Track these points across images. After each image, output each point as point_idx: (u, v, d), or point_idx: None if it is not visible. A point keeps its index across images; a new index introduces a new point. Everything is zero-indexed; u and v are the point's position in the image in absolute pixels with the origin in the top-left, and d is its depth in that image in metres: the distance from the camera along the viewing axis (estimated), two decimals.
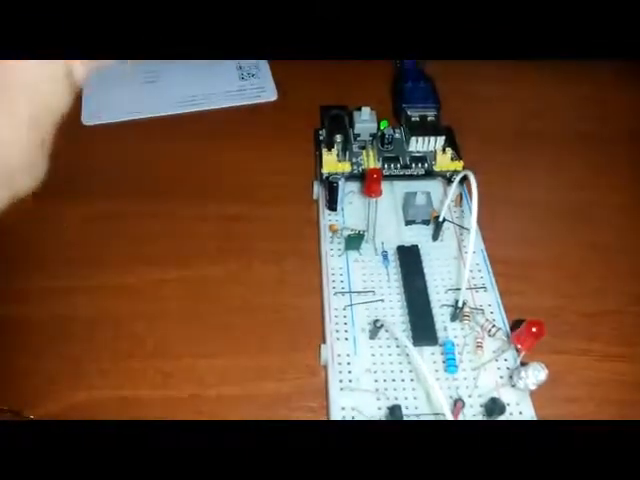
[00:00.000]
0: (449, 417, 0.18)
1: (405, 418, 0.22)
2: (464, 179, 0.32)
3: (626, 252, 0.31)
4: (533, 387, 0.20)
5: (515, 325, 0.24)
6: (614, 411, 0.25)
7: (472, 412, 0.22)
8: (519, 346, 0.21)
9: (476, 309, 0.26)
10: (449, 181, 0.32)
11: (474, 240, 0.22)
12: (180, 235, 0.31)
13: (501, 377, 0.24)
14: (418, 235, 0.30)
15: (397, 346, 0.25)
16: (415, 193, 0.29)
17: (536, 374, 0.19)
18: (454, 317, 0.26)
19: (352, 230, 0.29)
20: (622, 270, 0.30)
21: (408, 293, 0.27)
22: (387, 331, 0.25)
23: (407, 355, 0.25)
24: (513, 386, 0.22)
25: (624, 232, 0.32)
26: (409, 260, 0.28)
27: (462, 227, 0.30)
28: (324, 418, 0.24)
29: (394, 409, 0.21)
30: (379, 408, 0.23)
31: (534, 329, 0.20)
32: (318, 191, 0.32)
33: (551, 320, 0.24)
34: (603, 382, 0.26)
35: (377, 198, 0.27)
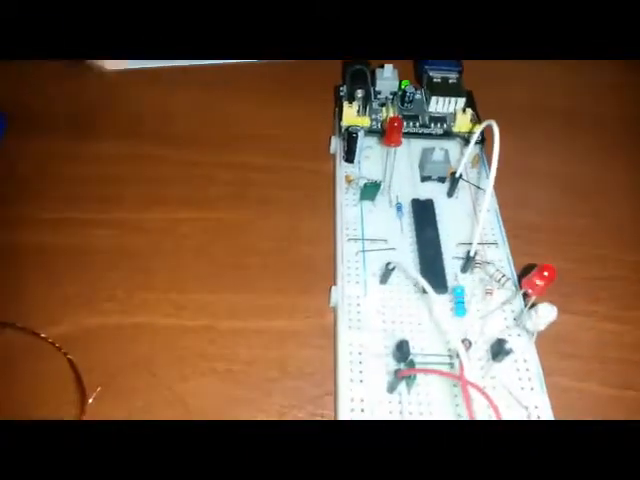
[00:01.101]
0: (461, 351, 0.18)
1: (411, 357, 0.22)
2: (483, 141, 0.32)
3: (629, 224, 0.31)
4: (542, 327, 0.20)
5: (525, 271, 0.24)
6: (616, 369, 0.25)
7: (478, 355, 0.23)
8: (529, 291, 0.21)
9: (486, 262, 0.26)
10: (467, 142, 0.32)
11: (489, 196, 0.23)
12: (197, 180, 0.32)
13: (506, 320, 0.24)
14: (433, 191, 0.30)
15: (407, 291, 0.25)
16: (433, 148, 0.30)
17: (546, 313, 0.20)
18: (465, 268, 0.26)
19: (368, 180, 0.29)
20: (624, 240, 0.30)
21: (420, 244, 0.27)
22: (398, 272, 0.25)
23: (416, 299, 0.25)
24: (521, 326, 0.22)
25: (627, 206, 0.32)
26: (423, 213, 0.29)
27: (478, 187, 0.30)
28: (331, 355, 0.24)
29: (402, 344, 0.22)
30: (386, 347, 0.23)
31: (545, 273, 0.21)
32: (336, 145, 0.33)
33: (556, 282, 0.25)
34: (606, 342, 0.26)
35: (396, 148, 0.27)
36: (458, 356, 0.18)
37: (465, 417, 0.21)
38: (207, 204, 0.30)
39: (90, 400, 0.22)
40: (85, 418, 0.22)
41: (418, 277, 0.21)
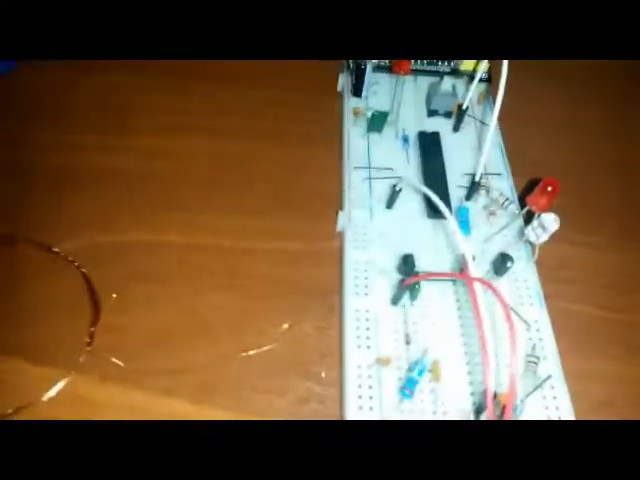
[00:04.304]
0: (466, 251, 0.19)
1: (416, 269, 0.23)
2: (489, 79, 0.32)
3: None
4: (545, 238, 0.21)
5: (530, 187, 0.25)
6: (607, 293, 0.26)
7: (481, 270, 0.24)
8: (534, 207, 0.22)
9: (490, 188, 0.27)
10: (473, 79, 0.32)
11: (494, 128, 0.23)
12: (209, 111, 0.32)
13: (507, 237, 0.25)
14: (439, 125, 0.30)
15: (412, 215, 0.26)
16: (440, 81, 0.30)
17: (549, 223, 0.20)
18: (469, 195, 0.27)
19: (376, 111, 0.29)
20: (621, 180, 0.31)
21: (426, 173, 0.28)
22: (403, 197, 0.26)
23: (422, 222, 0.26)
24: (523, 241, 0.23)
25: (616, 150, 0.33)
26: (429, 145, 0.29)
27: (483, 122, 0.31)
28: (337, 274, 0.25)
29: (407, 258, 0.23)
30: (390, 264, 0.24)
31: (549, 188, 0.21)
32: (343, 82, 0.33)
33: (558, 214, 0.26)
34: (605, 271, 0.27)
35: (405, 77, 0.28)
36: (464, 258, 0.19)
37: (469, 319, 0.22)
38: (218, 133, 0.31)
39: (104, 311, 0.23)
40: (99, 328, 0.23)
41: (426, 189, 0.21)
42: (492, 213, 0.25)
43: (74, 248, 0.25)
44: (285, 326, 0.23)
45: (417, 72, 0.33)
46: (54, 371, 0.22)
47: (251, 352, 0.22)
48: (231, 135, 0.31)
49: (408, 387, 0.20)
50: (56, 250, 0.25)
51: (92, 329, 0.23)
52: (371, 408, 0.20)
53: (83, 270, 0.24)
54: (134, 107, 0.31)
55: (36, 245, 0.25)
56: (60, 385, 0.21)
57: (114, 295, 0.23)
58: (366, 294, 0.23)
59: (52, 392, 0.21)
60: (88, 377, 0.22)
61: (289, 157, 0.30)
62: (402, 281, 0.22)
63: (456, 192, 0.27)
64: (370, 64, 0.30)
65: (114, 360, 0.22)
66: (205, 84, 0.33)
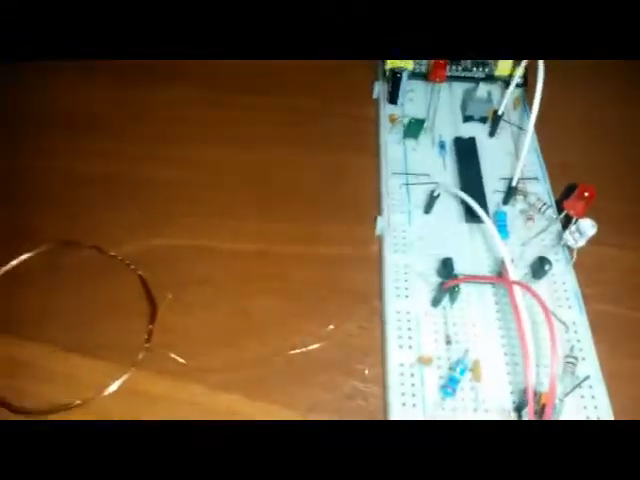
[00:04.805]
0: (505, 256, 0.20)
1: (455, 272, 0.24)
2: (525, 84, 0.33)
3: None
4: (583, 242, 0.21)
5: (567, 193, 0.25)
6: None
7: (519, 273, 0.24)
8: (571, 212, 0.22)
9: (528, 193, 0.27)
10: (508, 85, 0.33)
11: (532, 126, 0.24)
12: (250, 122, 0.33)
13: (544, 241, 0.25)
14: (475, 131, 0.31)
15: (449, 219, 0.27)
16: (476, 87, 0.31)
17: (587, 228, 0.21)
18: (506, 200, 0.27)
19: (412, 118, 0.30)
20: None
21: (462, 178, 0.29)
22: (441, 202, 0.27)
23: (459, 226, 0.27)
24: (561, 245, 0.23)
25: None
26: (465, 151, 0.30)
27: (519, 127, 0.31)
28: (377, 275, 0.26)
29: (446, 262, 0.23)
30: (430, 267, 0.25)
31: (586, 193, 0.22)
32: (379, 90, 0.34)
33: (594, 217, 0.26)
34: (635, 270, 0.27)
35: (440, 85, 0.28)
36: (503, 261, 0.20)
37: (508, 321, 0.23)
38: (254, 143, 0.32)
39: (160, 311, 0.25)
40: (155, 327, 0.24)
41: (463, 195, 0.22)
42: (530, 218, 0.26)
43: (130, 252, 0.27)
44: (330, 327, 0.24)
45: (452, 78, 0.33)
46: (115, 366, 0.23)
47: (298, 350, 0.24)
48: (272, 144, 0.32)
49: (450, 385, 0.21)
50: (114, 254, 0.27)
51: (150, 327, 0.24)
52: (414, 405, 0.21)
53: (140, 273, 0.26)
54: (181, 119, 0.33)
55: (97, 250, 0.27)
56: (121, 380, 0.23)
57: (169, 295, 0.25)
58: (406, 296, 0.24)
59: (114, 386, 0.23)
60: (147, 373, 0.23)
61: (327, 164, 0.31)
62: (442, 284, 0.23)
63: (493, 197, 0.28)
64: (406, 72, 0.31)
65: (174, 356, 0.23)
66: (245, 97, 0.34)
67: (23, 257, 0.26)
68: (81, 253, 0.27)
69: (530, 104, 0.24)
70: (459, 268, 0.24)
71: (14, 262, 0.26)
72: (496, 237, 0.19)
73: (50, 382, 0.23)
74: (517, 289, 0.19)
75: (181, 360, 0.23)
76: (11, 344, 0.24)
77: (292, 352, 0.24)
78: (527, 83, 0.33)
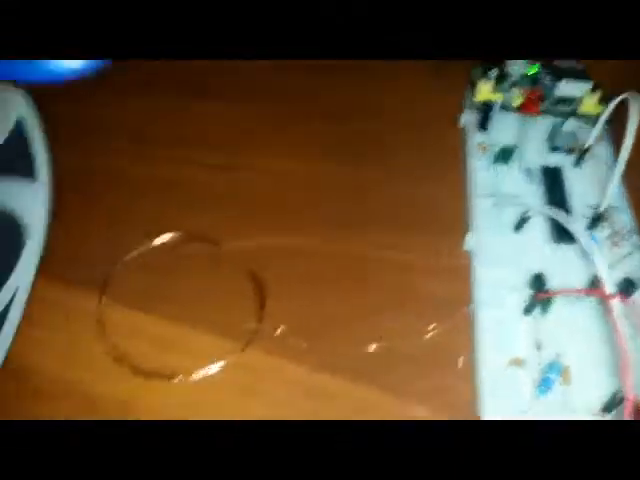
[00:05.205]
0: (603, 277, 0.21)
1: (546, 286, 0.25)
2: (610, 121, 0.35)
3: None
4: None
5: None
6: None
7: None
8: None
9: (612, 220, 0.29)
10: (594, 123, 0.35)
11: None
12: (341, 142, 0.36)
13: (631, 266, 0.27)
14: (561, 161, 0.33)
15: (539, 239, 0.29)
16: (563, 121, 0.33)
17: None
18: (592, 225, 0.29)
19: (504, 145, 0.33)
20: None
21: (549, 203, 0.30)
22: (531, 223, 0.29)
23: (550, 246, 0.28)
24: None
25: None
26: (551, 178, 0.32)
27: (605, 163, 0.33)
28: (466, 286, 0.28)
29: (539, 276, 0.25)
30: (521, 282, 0.27)
31: None
32: (466, 120, 0.36)
33: None
34: None
35: (532, 117, 0.31)
36: (597, 275, 0.22)
37: (601, 333, 0.24)
38: (353, 162, 0.35)
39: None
40: (264, 321, 0.27)
41: (557, 214, 0.24)
42: (615, 244, 0.27)
43: (244, 247, 0.30)
44: (431, 326, 0.26)
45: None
46: (226, 343, 0.26)
47: (392, 348, 0.26)
48: (362, 162, 0.35)
49: (544, 385, 0.22)
50: (229, 249, 0.30)
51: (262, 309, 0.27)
52: (506, 405, 0.23)
53: (251, 267, 0.29)
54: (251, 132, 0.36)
55: (207, 243, 0.30)
56: (230, 358, 0.26)
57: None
58: (499, 304, 0.26)
59: (221, 362, 0.26)
60: (255, 351, 0.26)
61: (407, 187, 0.33)
62: (535, 295, 0.25)
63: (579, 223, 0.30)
64: (498, 103, 0.34)
65: (291, 339, 0.26)
66: (323, 121, 0.37)
67: (156, 242, 0.30)
68: (192, 246, 0.30)
69: (613, 137, 0.25)
70: (549, 284, 0.26)
71: (147, 246, 0.30)
72: (593, 251, 0.21)
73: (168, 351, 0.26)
74: (614, 302, 0.20)
75: (302, 343, 0.26)
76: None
77: (385, 345, 0.26)
78: (613, 120, 0.34)
